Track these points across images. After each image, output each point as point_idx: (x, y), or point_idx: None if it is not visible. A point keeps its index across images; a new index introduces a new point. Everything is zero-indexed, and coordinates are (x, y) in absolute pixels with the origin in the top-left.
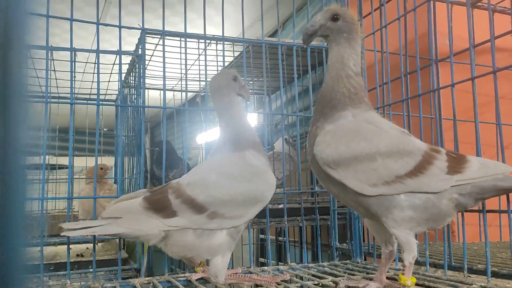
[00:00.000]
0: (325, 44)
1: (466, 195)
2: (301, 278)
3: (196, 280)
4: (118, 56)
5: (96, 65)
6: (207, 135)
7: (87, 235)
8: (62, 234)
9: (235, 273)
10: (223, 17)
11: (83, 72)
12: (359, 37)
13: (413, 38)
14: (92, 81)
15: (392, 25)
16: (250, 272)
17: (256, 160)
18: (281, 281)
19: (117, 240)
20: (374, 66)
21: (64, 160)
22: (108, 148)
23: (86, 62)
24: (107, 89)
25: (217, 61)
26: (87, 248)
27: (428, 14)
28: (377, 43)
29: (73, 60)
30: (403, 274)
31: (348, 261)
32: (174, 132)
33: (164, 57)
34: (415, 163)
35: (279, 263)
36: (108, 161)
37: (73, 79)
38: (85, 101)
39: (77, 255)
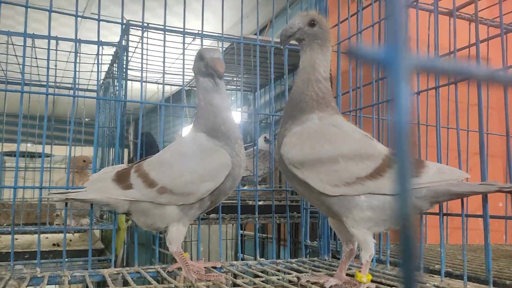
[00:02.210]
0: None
1: (421, 198)
2: (267, 273)
3: (169, 272)
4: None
5: (75, 54)
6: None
7: (67, 224)
8: (44, 196)
9: (186, 263)
10: (203, 14)
11: (67, 61)
12: (330, 45)
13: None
14: (75, 71)
15: (368, 31)
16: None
17: (207, 141)
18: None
19: (95, 231)
20: (347, 69)
21: (45, 149)
22: (89, 138)
23: (70, 52)
24: (89, 79)
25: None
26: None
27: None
28: None
29: (54, 49)
30: (359, 271)
31: (316, 258)
32: (158, 125)
33: (142, 49)
34: (376, 166)
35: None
36: (88, 151)
37: (56, 67)
38: (65, 91)
39: (53, 245)
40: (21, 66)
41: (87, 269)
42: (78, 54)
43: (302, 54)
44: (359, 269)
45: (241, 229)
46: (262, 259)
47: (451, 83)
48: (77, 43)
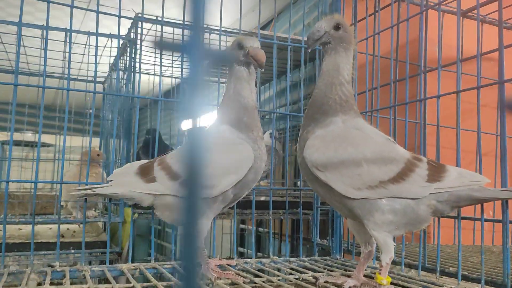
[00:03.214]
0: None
1: (443, 202)
2: (279, 270)
3: None
4: (95, 38)
5: (67, 44)
6: (191, 123)
7: (72, 216)
8: (71, 193)
9: (207, 261)
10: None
11: (64, 52)
12: (353, 48)
13: (404, 43)
14: (81, 62)
15: (385, 31)
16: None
17: (231, 134)
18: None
19: (99, 223)
20: (365, 68)
21: (49, 139)
22: (94, 129)
23: (73, 43)
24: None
25: None
26: (68, 229)
27: (420, 25)
28: (369, 46)
29: (45, 37)
30: (379, 273)
31: (327, 257)
32: (159, 117)
33: (141, 40)
34: (398, 170)
35: (258, 253)
36: (93, 142)
37: (64, 59)
38: (62, 82)
39: None
40: (28, 56)
41: (91, 262)
42: (86, 46)
43: (326, 57)
44: (379, 271)
45: (243, 224)
46: (275, 257)
47: (473, 88)
48: (70, 33)
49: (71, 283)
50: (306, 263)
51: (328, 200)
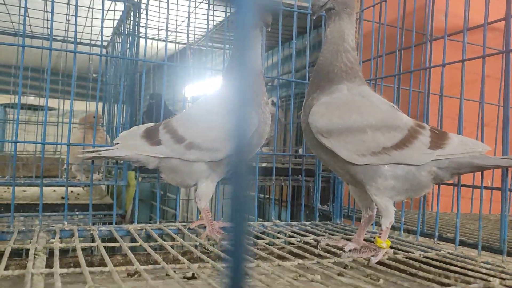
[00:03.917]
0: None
1: (444, 169)
2: (284, 234)
3: (190, 229)
4: (101, 1)
5: (70, 6)
6: (194, 88)
7: (77, 179)
8: (78, 156)
9: (211, 222)
10: None
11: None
12: (355, 13)
13: (411, 10)
14: (84, 25)
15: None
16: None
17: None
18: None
19: (102, 186)
20: (370, 36)
21: (52, 103)
22: (96, 93)
23: (77, 5)
24: (98, 34)
25: (207, 15)
26: (72, 191)
27: None
28: (376, 14)
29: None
30: (379, 237)
31: (328, 222)
32: (163, 82)
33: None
34: (401, 137)
35: (259, 219)
36: (95, 106)
37: (67, 21)
38: (64, 46)
39: (62, 198)
40: (31, 19)
41: (95, 224)
42: (90, 9)
43: (330, 23)
44: (379, 235)
45: None
46: (277, 220)
47: (479, 57)
48: None
49: (80, 242)
50: (307, 227)
51: (331, 167)
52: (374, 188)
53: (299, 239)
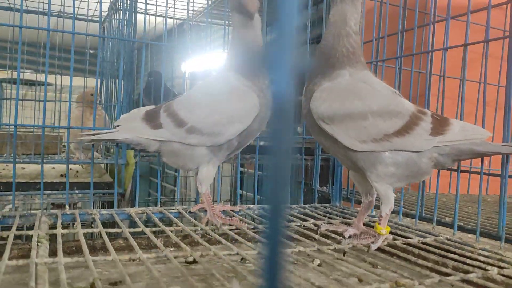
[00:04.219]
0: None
1: (445, 155)
2: None
3: (191, 212)
4: None
5: None
6: (192, 64)
7: (76, 157)
8: (78, 139)
9: (212, 207)
10: None
11: None
12: None
13: None
14: (81, 0)
15: None
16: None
17: (236, 81)
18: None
19: (101, 164)
20: (372, 13)
21: (48, 78)
22: (93, 68)
23: None
24: (95, 10)
25: None
26: (71, 169)
27: None
28: None
29: None
30: (379, 223)
31: (327, 204)
32: (162, 61)
33: None
34: (403, 123)
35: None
36: (92, 82)
37: None
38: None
39: (61, 175)
40: None
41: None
42: None
43: (333, 6)
44: (378, 221)
45: (241, 167)
46: None
47: (481, 42)
48: None
49: (82, 228)
50: (307, 209)
51: (332, 152)
52: (375, 174)
53: (298, 224)
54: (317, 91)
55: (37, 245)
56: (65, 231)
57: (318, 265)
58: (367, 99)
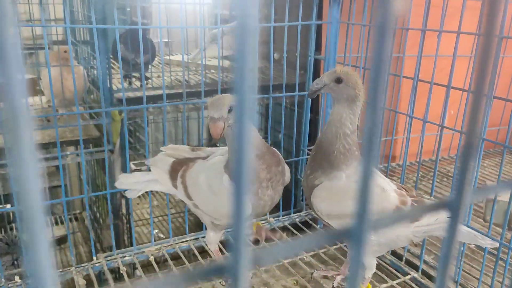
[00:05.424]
0: None
1: (419, 235)
2: None
3: None
4: None
5: None
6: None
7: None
8: (115, 184)
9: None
10: None
11: None
12: (359, 100)
13: None
14: None
15: None
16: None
17: (230, 186)
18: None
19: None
20: None
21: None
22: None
23: None
24: None
25: None
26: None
27: None
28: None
29: None
30: (362, 283)
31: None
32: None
33: None
34: None
35: None
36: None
37: None
38: None
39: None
40: None
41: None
42: None
43: (333, 106)
44: (362, 282)
45: None
46: (271, 219)
47: (453, 31)
48: None
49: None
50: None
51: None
52: None
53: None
54: (318, 189)
55: None
56: None
57: None
58: None
